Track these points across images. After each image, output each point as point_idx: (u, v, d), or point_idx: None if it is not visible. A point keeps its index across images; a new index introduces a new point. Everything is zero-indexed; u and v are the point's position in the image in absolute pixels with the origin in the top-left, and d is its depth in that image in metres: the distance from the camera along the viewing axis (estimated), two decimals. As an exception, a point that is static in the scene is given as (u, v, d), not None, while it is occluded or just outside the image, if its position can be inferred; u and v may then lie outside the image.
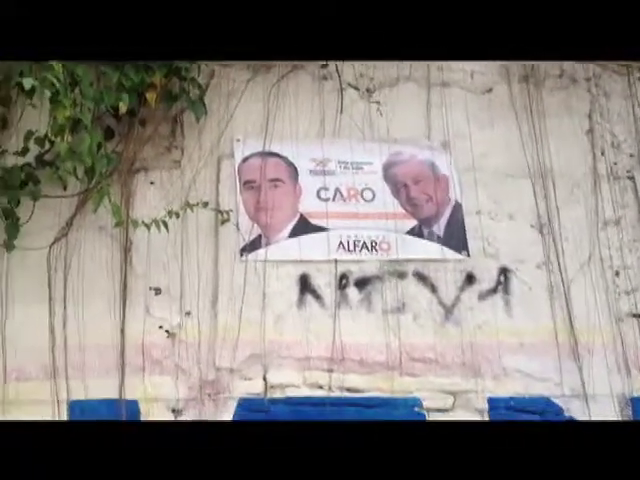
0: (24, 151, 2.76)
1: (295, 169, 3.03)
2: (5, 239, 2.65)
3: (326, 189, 3.02)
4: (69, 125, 2.53)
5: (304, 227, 2.93)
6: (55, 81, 2.44)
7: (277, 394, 2.64)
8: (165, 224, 2.70)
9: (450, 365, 2.75)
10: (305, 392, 2.66)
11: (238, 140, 3.04)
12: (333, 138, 3.11)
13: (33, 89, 2.47)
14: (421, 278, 2.89)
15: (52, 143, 2.72)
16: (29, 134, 2.73)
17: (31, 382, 2.57)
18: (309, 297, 2.81)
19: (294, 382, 2.67)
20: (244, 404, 2.60)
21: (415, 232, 2.98)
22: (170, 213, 2.73)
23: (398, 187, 3.06)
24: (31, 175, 2.75)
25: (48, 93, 2.45)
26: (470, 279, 2.91)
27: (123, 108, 2.76)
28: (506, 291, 2.92)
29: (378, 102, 3.17)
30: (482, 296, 2.89)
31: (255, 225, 2.89)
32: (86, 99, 2.63)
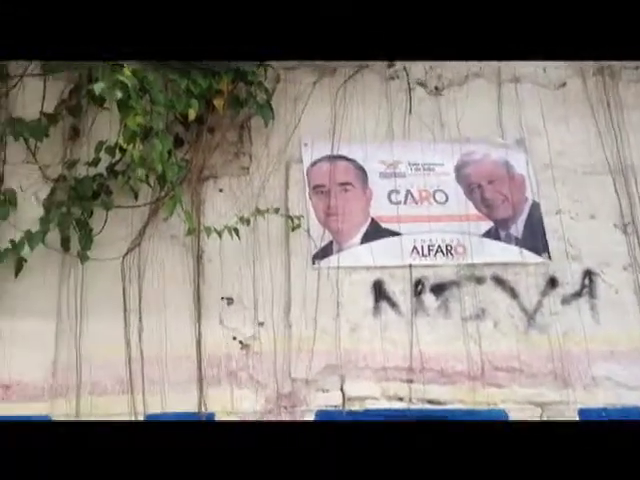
0: (95, 161, 2.76)
1: (364, 172, 2.96)
2: (79, 250, 2.66)
3: (397, 192, 2.94)
4: (140, 132, 2.53)
5: (376, 232, 2.86)
6: (127, 82, 2.44)
7: (355, 406, 2.58)
8: (236, 231, 2.67)
9: (536, 374, 2.63)
10: (384, 404, 2.58)
11: (306, 144, 2.99)
12: (403, 139, 3.03)
13: (103, 96, 2.49)
14: (500, 283, 2.78)
15: (123, 152, 2.73)
16: (100, 144, 2.74)
17: (107, 396, 2.56)
18: (384, 304, 2.74)
19: (373, 394, 2.59)
20: (322, 416, 2.54)
21: (491, 234, 2.87)
22: (241, 220, 2.70)
23: (472, 188, 2.96)
24: (103, 185, 2.76)
25: (119, 95, 2.44)
26: (553, 283, 2.79)
27: (192, 115, 2.75)
28: (592, 295, 2.78)
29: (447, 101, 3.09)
30: (566, 301, 2.77)
31: (326, 231, 2.84)
32: (157, 105, 2.62)
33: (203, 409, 2.54)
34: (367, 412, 2.55)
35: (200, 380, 2.59)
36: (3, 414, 2.41)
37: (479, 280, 2.78)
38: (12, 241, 2.59)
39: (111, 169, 2.78)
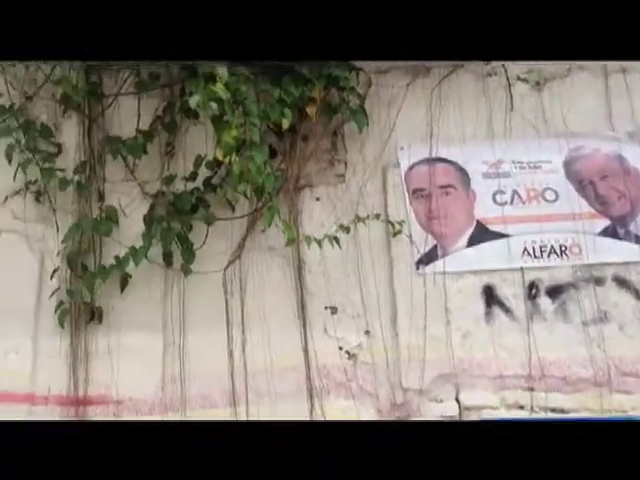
0: (193, 176, 2.82)
1: (466, 174, 2.90)
2: (182, 264, 2.70)
3: (502, 192, 2.86)
4: (236, 145, 2.56)
5: (482, 234, 2.78)
6: (222, 95, 2.47)
7: (473, 416, 2.49)
8: (337, 239, 2.65)
9: (671, 380, 2.49)
10: (503, 413, 2.49)
11: (402, 148, 2.95)
12: (504, 138, 2.96)
13: (197, 110, 2.54)
14: (622, 283, 2.65)
15: (219, 165, 2.78)
16: (199, 159, 2.79)
17: (212, 409, 2.58)
18: (497, 309, 2.66)
19: (490, 403, 2.51)
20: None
21: (609, 232, 2.75)
22: (341, 227, 2.68)
23: (583, 184, 2.85)
24: (201, 199, 2.80)
25: (214, 109, 2.48)
26: (681, 282, 2.64)
27: (286, 124, 2.76)
28: None
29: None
30: (696, 300, 2.61)
31: (429, 235, 2.79)
32: (251, 117, 2.64)
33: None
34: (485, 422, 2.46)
35: (310, 391, 2.57)
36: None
37: (598, 281, 2.66)
38: (117, 257, 2.66)
39: (207, 182, 2.82)
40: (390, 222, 2.78)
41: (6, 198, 2.87)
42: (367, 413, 2.54)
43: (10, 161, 2.77)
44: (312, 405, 2.55)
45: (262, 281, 2.76)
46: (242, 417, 2.58)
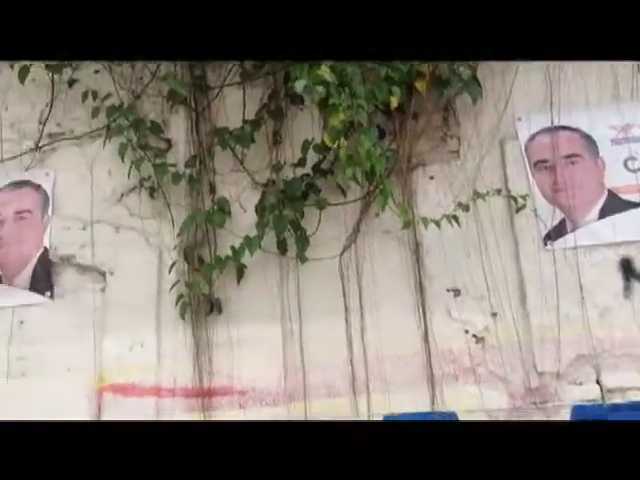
0: (302, 162, 2.82)
1: (593, 141, 2.75)
2: (297, 252, 2.71)
3: (634, 159, 2.70)
4: (344, 129, 2.54)
5: (615, 204, 2.63)
6: (328, 78, 2.45)
7: (617, 399, 2.36)
8: (456, 218, 2.58)
9: None
10: (649, 395, 2.34)
11: (520, 118, 2.83)
12: (631, 100, 2.78)
13: (302, 96, 2.53)
14: None
15: (327, 150, 2.77)
16: (306, 144, 2.79)
17: (336, 398, 2.57)
18: (636, 284, 2.50)
19: (636, 384, 2.37)
20: (579, 412, 2.35)
21: None
22: (460, 206, 2.61)
23: None
24: (311, 185, 2.80)
25: (320, 93, 2.46)
26: None
27: (394, 102, 2.70)
28: None
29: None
30: None
31: (556, 209, 2.66)
32: (358, 98, 2.60)
33: (438, 407, 2.45)
34: (633, 405, 2.32)
35: (432, 377, 2.52)
36: (246, 419, 2.51)
37: None
38: (232, 247, 2.70)
39: (317, 168, 2.82)
40: (512, 197, 2.68)
41: (122, 196, 2.98)
42: (498, 399, 2.46)
43: (123, 159, 2.87)
44: (433, 392, 2.50)
45: (379, 266, 2.72)
46: (363, 406, 2.55)
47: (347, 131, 2.53)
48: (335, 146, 2.55)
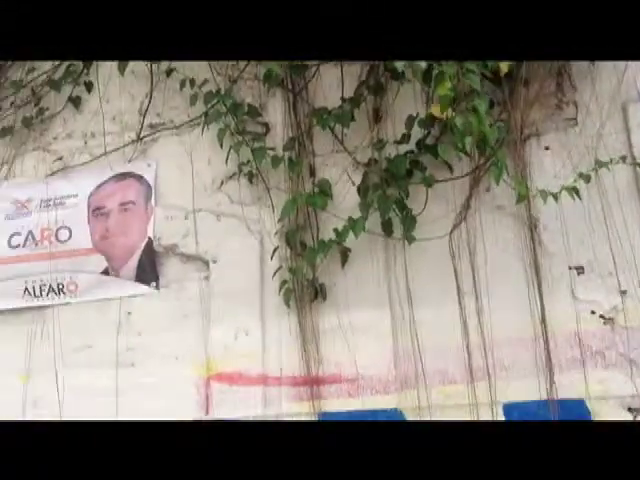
0: (405, 138, 2.72)
1: None
2: (403, 232, 2.61)
3: None
4: (454, 96, 2.42)
5: None
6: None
7: None
8: (576, 191, 2.41)
9: None
10: None
11: (644, 79, 2.63)
12: None
13: (403, 70, 2.43)
14: None
15: (432, 124, 2.66)
16: (410, 119, 2.69)
17: (454, 385, 2.47)
18: None
19: None
20: None
21: None
22: (580, 176, 2.43)
23: None
24: (416, 162, 2.70)
25: (423, 64, 2.35)
26: None
27: (504, 69, 2.58)
28: None
29: None
30: None
31: (689, 174, 2.44)
32: (467, 63, 2.48)
33: (557, 395, 2.31)
34: None
35: (549, 361, 2.37)
36: (353, 409, 2.44)
37: None
38: (335, 230, 2.63)
39: (422, 143, 2.71)
40: (638, 164, 2.48)
41: (221, 183, 2.98)
42: (633, 383, 2.27)
43: (222, 145, 2.87)
44: (551, 378, 2.34)
45: (492, 244, 2.59)
46: (482, 394, 2.43)
47: (455, 100, 2.42)
48: (443, 118, 2.45)
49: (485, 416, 2.39)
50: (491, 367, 2.46)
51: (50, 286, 3.03)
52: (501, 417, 2.38)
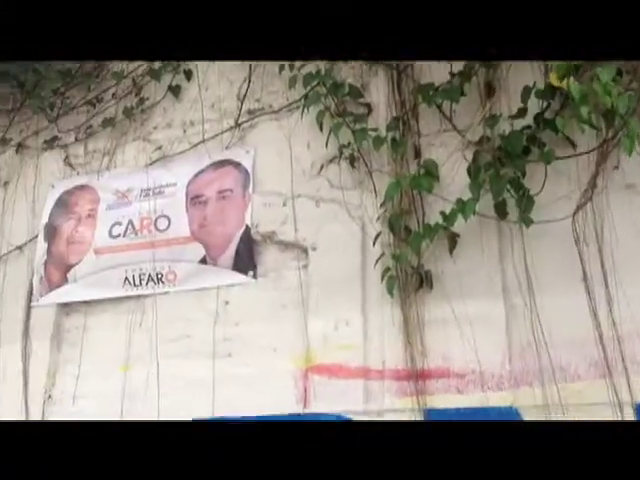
0: (522, 112, 2.51)
1: None
2: (519, 214, 2.39)
3: None
4: (574, 64, 2.19)
5: None
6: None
7: None
8: None
9: None
10: None
11: None
12: None
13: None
14: None
15: (552, 95, 2.44)
16: (526, 91, 2.48)
17: (580, 382, 2.23)
18: None
19: None
20: None
21: None
22: None
23: None
24: (534, 138, 2.47)
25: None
26: None
27: (634, 32, 2.31)
28: None
29: None
30: None
31: None
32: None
33: None
34: None
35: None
36: (462, 406, 2.26)
37: None
38: (442, 213, 2.45)
39: (540, 117, 2.48)
40: None
41: (321, 167, 2.87)
42: None
43: (322, 127, 2.76)
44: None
45: (622, 226, 2.33)
46: (612, 391, 2.18)
47: (578, 67, 2.20)
48: (564, 87, 2.22)
49: (614, 416, 2.13)
50: (629, 362, 2.21)
51: (149, 275, 3.01)
52: (631, 418, 2.11)
